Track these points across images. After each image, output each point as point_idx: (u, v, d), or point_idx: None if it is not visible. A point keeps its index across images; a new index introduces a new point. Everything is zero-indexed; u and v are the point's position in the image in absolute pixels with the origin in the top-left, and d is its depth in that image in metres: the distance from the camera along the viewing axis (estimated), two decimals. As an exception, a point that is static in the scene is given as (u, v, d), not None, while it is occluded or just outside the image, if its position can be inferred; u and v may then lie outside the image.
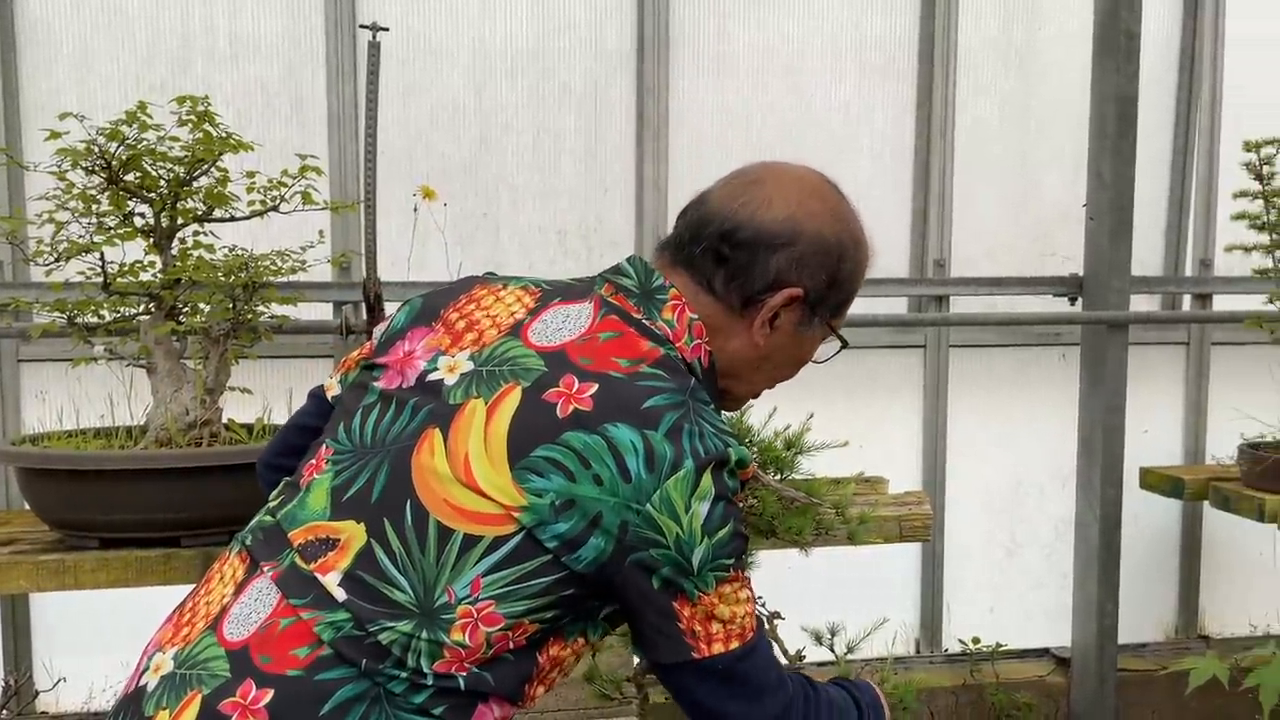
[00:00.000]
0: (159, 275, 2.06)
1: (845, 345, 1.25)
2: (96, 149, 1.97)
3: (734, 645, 1.07)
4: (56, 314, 2.06)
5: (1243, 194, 2.64)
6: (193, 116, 2.06)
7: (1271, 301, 2.67)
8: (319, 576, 1.04)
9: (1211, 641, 3.35)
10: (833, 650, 2.12)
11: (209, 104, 2.06)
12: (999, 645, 3.14)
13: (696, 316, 1.14)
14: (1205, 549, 3.37)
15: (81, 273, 2.06)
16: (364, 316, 2.49)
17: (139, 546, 1.85)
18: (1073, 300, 3.11)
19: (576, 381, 1.05)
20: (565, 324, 1.12)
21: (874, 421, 3.15)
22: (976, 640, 3.16)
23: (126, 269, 2.07)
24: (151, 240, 2.07)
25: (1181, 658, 3.22)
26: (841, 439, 3.10)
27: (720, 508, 1.03)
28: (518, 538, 1.01)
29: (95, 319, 2.08)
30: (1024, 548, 3.29)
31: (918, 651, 3.23)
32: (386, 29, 2.24)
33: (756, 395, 1.28)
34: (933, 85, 3.07)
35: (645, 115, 2.94)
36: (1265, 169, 2.60)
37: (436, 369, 1.12)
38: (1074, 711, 3.12)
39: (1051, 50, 3.15)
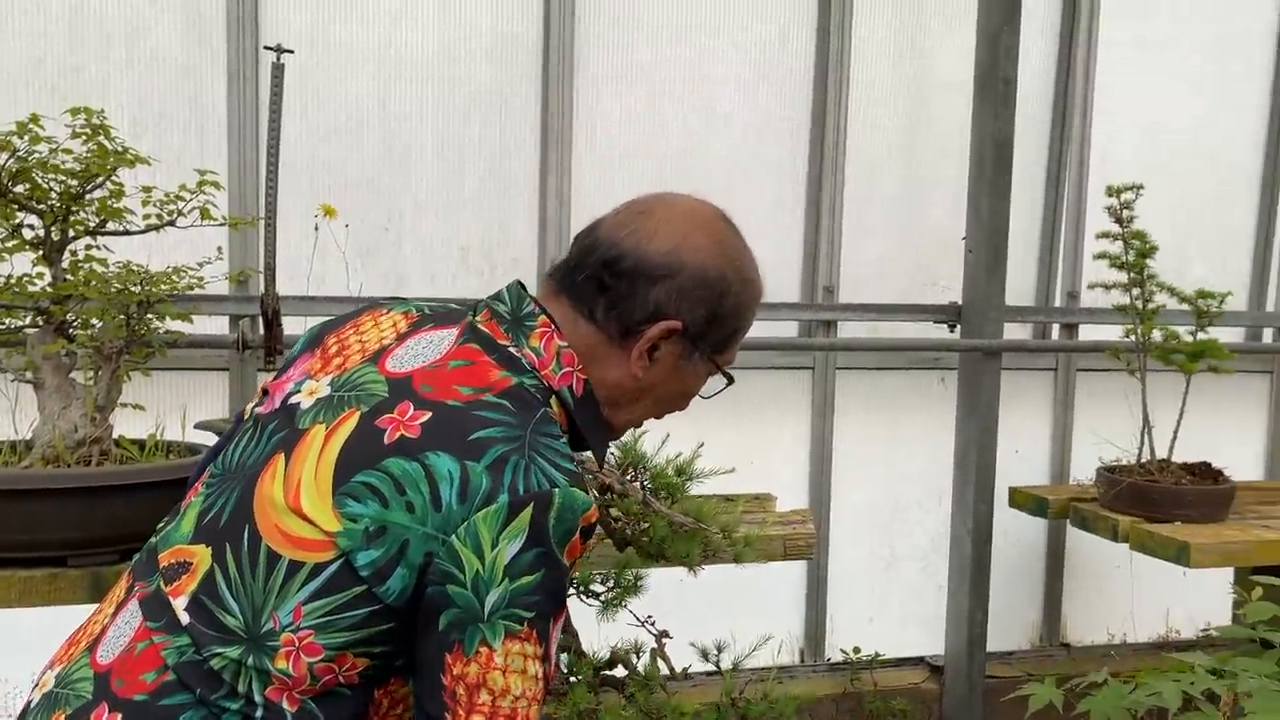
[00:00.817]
0: (49, 289, 2.02)
1: (731, 382, 1.24)
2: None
3: None
4: (-62, 326, 2.01)
5: (1104, 234, 2.84)
6: (87, 129, 2.04)
7: (1127, 335, 2.87)
8: (171, 600, 1.05)
9: (1071, 649, 3.57)
10: (718, 666, 2.20)
11: (104, 117, 2.04)
12: (877, 655, 3.30)
13: (566, 345, 1.13)
14: (1069, 562, 3.60)
15: (-35, 286, 2.02)
16: (260, 331, 2.49)
17: (24, 567, 1.82)
18: (952, 327, 3.29)
19: (412, 408, 1.03)
20: (424, 351, 1.11)
21: (767, 439, 3.27)
22: (857, 650, 3.31)
23: (14, 281, 2.03)
24: (41, 253, 2.04)
25: (1044, 664, 3.44)
26: (733, 458, 3.21)
27: (532, 554, 0.98)
28: (335, 565, 0.99)
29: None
30: (902, 561, 3.46)
31: (801, 661, 3.36)
32: (291, 51, 2.24)
33: (638, 425, 1.26)
34: (825, 115, 3.21)
35: (550, 127, 2.99)
36: (1125, 212, 2.80)
37: (299, 393, 1.12)
38: (945, 716, 3.29)
39: (939, 90, 3.33)
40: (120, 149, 2.06)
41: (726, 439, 3.17)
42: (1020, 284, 3.45)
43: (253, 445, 1.11)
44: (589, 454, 1.25)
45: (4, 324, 2.04)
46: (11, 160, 1.95)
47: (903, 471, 3.42)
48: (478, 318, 1.15)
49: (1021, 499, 3.14)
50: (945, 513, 3.33)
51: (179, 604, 1.04)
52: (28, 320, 2.05)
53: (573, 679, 1.81)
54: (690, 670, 2.33)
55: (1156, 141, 3.53)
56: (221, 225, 2.36)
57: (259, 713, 1.01)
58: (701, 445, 1.97)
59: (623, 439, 1.95)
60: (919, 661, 3.43)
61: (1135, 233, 2.79)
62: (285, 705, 1.01)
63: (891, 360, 3.36)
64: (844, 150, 3.24)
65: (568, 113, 3.00)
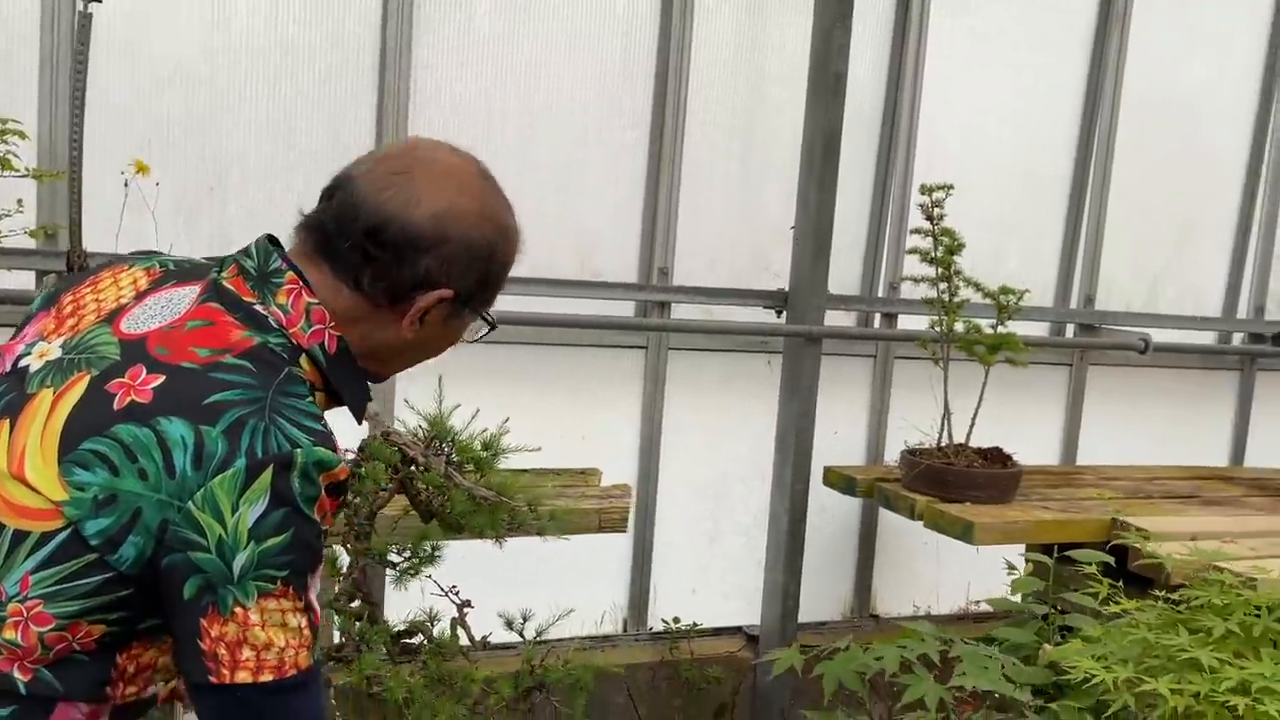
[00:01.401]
0: None
1: (493, 328, 1.24)
2: None
3: (265, 677, 1.00)
4: None
5: (916, 230, 3.01)
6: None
7: (933, 327, 3.05)
8: None
9: (880, 620, 3.79)
10: (521, 635, 2.26)
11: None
12: (696, 625, 3.43)
13: (316, 302, 1.11)
14: (880, 540, 3.81)
15: None
16: (66, 290, 2.40)
17: None
18: (779, 313, 3.42)
19: (144, 372, 1.02)
20: (162, 310, 1.08)
21: (600, 415, 3.34)
22: (676, 620, 3.43)
23: None
24: None
25: (853, 635, 3.64)
26: (567, 432, 3.28)
27: (278, 514, 0.98)
28: (64, 534, 0.98)
29: None
30: (725, 535, 3.59)
31: (625, 631, 3.47)
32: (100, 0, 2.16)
33: (404, 369, 1.27)
34: (665, 100, 3.28)
35: (385, 105, 2.97)
36: (936, 210, 2.97)
37: (29, 355, 1.08)
38: (759, 683, 3.45)
39: (778, 84, 3.44)
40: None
41: (560, 413, 3.24)
42: (846, 274, 3.61)
43: None
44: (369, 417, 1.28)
45: None
46: None
47: (730, 450, 3.55)
48: (223, 274, 1.12)
49: (834, 478, 3.30)
50: (768, 490, 3.48)
51: None
52: None
53: (364, 647, 1.83)
54: (499, 640, 2.39)
55: (982, 135, 3.73)
56: (24, 176, 2.27)
57: None
58: (508, 420, 2.01)
59: (431, 411, 1.98)
60: (736, 631, 3.57)
61: (944, 230, 2.97)
62: (17, 674, 1.00)
63: (721, 343, 3.47)
64: (682, 137, 3.32)
65: (404, 91, 2.98)
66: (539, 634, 2.27)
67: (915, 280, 3.01)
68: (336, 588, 1.82)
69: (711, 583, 3.59)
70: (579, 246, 3.27)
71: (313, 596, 1.05)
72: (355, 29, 2.95)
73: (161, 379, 1.01)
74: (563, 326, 3.17)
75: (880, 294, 3.67)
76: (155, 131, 2.79)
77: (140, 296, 1.11)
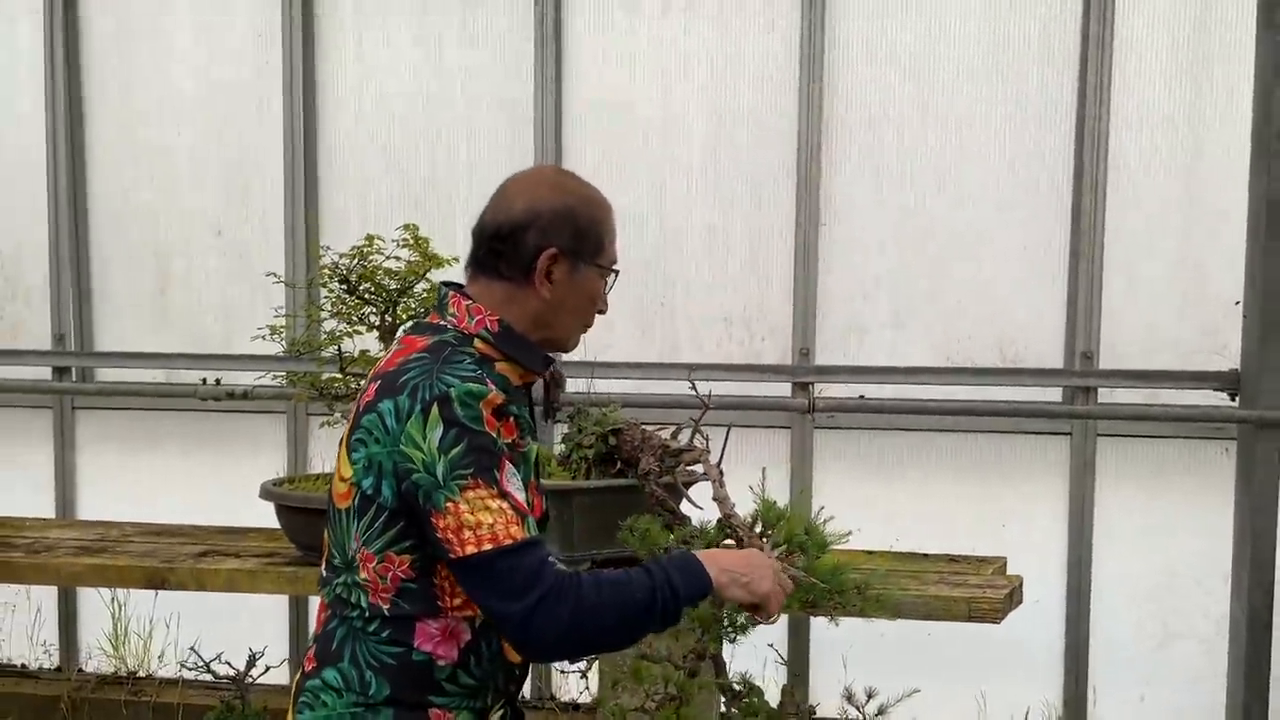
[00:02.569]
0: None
1: (616, 274, 1.61)
2: (341, 270, 2.70)
3: (486, 547, 1.37)
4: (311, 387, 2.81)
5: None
6: (410, 240, 2.74)
7: None
8: (321, 570, 1.59)
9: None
10: (860, 711, 2.30)
11: (417, 229, 2.73)
12: (1139, 735, 3.17)
13: (471, 302, 1.53)
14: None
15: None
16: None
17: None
18: (1233, 396, 3.10)
19: (371, 386, 1.48)
20: (392, 350, 1.56)
21: (1020, 505, 3.29)
22: (1117, 727, 3.20)
23: (361, 355, 2.78)
24: (378, 334, 2.78)
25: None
26: (982, 520, 3.28)
27: (452, 433, 1.38)
28: (357, 497, 1.45)
29: (340, 389, 2.81)
30: (1179, 641, 3.27)
31: (1061, 731, 3.31)
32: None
33: (574, 334, 1.62)
34: (1083, 178, 3.20)
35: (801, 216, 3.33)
36: None
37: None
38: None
39: (1216, 137, 3.17)
40: (433, 254, 2.74)
41: (977, 501, 3.27)
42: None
43: None
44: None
45: (355, 387, 2.80)
46: (357, 265, 2.70)
47: (1181, 546, 3.25)
48: (426, 318, 1.61)
49: (1303, 585, 2.88)
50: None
51: (322, 569, 1.59)
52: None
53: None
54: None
55: None
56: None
57: (368, 612, 1.49)
58: (823, 509, 2.09)
59: (772, 500, 2.18)
60: (1194, 750, 3.22)
61: None
62: (380, 603, 1.49)
63: (1165, 429, 3.22)
64: (1103, 213, 3.20)
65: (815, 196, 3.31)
66: (881, 711, 2.32)
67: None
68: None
69: (1163, 692, 3.28)
70: (993, 323, 3.30)
71: (509, 488, 1.43)
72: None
73: (377, 384, 1.49)
74: (980, 415, 3.21)
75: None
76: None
77: (389, 349, 1.65)
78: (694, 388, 2.33)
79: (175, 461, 3.71)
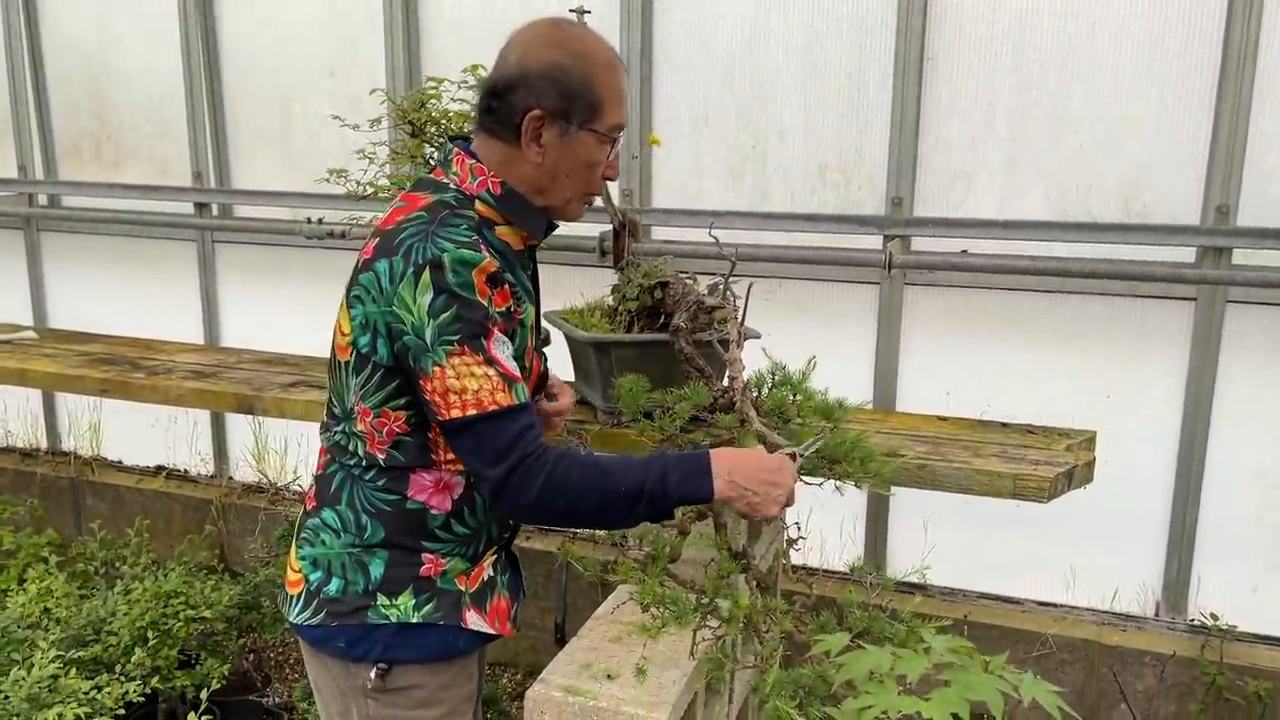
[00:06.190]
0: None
1: (617, 142, 1.54)
2: (405, 113, 2.71)
3: (470, 412, 1.41)
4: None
5: None
6: (475, 82, 2.70)
7: None
8: (323, 417, 1.65)
9: None
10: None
11: (482, 70, 2.68)
12: (1234, 627, 2.93)
13: (475, 161, 1.52)
14: None
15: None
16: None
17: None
18: (1401, 263, 2.66)
19: (371, 244, 1.48)
20: (391, 206, 1.55)
21: (1128, 373, 3.01)
22: (1215, 617, 2.97)
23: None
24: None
25: None
26: (1087, 390, 3.04)
27: (441, 299, 1.39)
28: (355, 354, 1.50)
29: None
30: (1303, 532, 2.96)
31: (1156, 615, 3.11)
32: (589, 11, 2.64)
33: (573, 202, 1.56)
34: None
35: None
36: None
37: None
38: (1327, 716, 2.83)
39: None
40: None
41: (1079, 367, 3.02)
42: None
43: None
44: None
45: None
46: (418, 109, 2.70)
47: (1320, 429, 2.90)
48: (431, 173, 1.58)
49: None
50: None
51: (324, 415, 1.65)
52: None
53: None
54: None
55: None
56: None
57: (365, 461, 1.56)
58: (812, 360, 1.97)
59: (781, 363, 2.07)
60: (1306, 647, 2.95)
61: None
62: (376, 453, 1.56)
63: (1315, 297, 2.82)
64: (1255, 40, 2.74)
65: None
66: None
67: None
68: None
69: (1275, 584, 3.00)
70: (1120, 177, 2.95)
71: (496, 354, 1.44)
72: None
73: (376, 241, 1.49)
74: (1100, 278, 2.90)
75: None
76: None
77: (391, 203, 1.59)
78: (716, 241, 2.22)
79: (301, 291, 3.95)
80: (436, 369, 1.41)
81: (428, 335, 1.40)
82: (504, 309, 1.47)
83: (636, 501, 1.46)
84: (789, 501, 1.57)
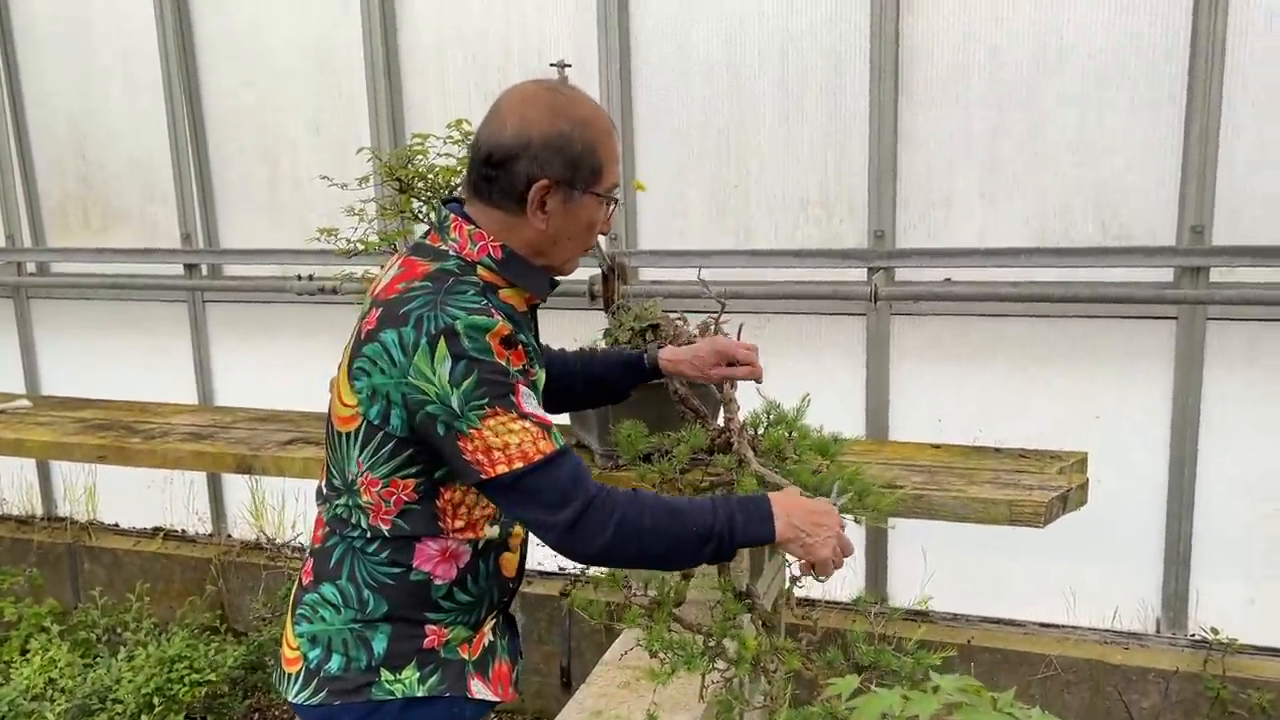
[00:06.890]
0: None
1: (617, 203, 1.56)
2: (391, 170, 2.75)
3: (516, 465, 1.39)
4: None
5: None
6: (459, 137, 2.75)
7: None
8: (321, 487, 1.63)
9: None
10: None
11: (467, 124, 2.73)
12: (1235, 640, 2.95)
13: (473, 227, 1.50)
14: None
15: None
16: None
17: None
18: (1374, 274, 2.72)
19: (374, 311, 1.45)
20: (389, 273, 1.53)
21: (1117, 393, 3.05)
22: (1215, 631, 2.99)
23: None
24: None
25: None
26: (1073, 410, 3.07)
27: (461, 365, 1.38)
28: (363, 425, 1.47)
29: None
30: (1296, 542, 2.99)
31: (1157, 632, 3.13)
32: (569, 65, 2.70)
33: (573, 260, 1.58)
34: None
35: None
36: None
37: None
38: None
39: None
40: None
41: (1071, 391, 3.06)
42: None
43: None
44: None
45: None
46: (404, 165, 2.74)
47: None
48: (425, 237, 1.56)
49: None
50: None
51: (321, 485, 1.64)
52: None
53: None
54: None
55: None
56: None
57: (368, 534, 1.54)
58: (806, 398, 2.01)
59: (775, 401, 2.10)
60: (1306, 657, 2.98)
61: None
62: (380, 524, 1.54)
63: (1292, 311, 2.87)
64: (1221, 61, 2.81)
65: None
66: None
67: None
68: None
69: (1276, 596, 3.03)
70: (1097, 201, 3.01)
71: (527, 408, 1.44)
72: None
73: (379, 311, 1.47)
74: (1080, 302, 2.95)
75: None
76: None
77: (387, 271, 1.57)
78: (704, 285, 2.26)
79: (292, 346, 3.97)
80: (474, 431, 1.40)
81: (455, 403, 1.39)
82: (520, 368, 1.47)
83: (705, 543, 1.47)
84: (845, 549, 1.57)
